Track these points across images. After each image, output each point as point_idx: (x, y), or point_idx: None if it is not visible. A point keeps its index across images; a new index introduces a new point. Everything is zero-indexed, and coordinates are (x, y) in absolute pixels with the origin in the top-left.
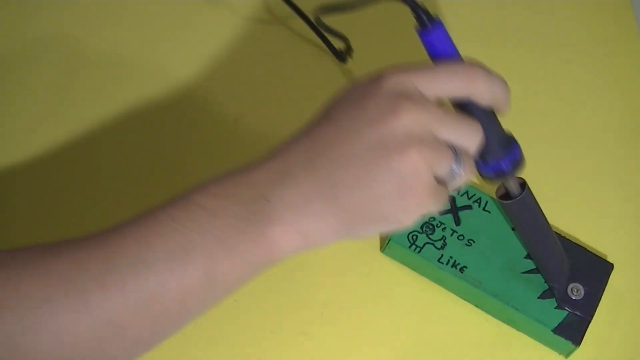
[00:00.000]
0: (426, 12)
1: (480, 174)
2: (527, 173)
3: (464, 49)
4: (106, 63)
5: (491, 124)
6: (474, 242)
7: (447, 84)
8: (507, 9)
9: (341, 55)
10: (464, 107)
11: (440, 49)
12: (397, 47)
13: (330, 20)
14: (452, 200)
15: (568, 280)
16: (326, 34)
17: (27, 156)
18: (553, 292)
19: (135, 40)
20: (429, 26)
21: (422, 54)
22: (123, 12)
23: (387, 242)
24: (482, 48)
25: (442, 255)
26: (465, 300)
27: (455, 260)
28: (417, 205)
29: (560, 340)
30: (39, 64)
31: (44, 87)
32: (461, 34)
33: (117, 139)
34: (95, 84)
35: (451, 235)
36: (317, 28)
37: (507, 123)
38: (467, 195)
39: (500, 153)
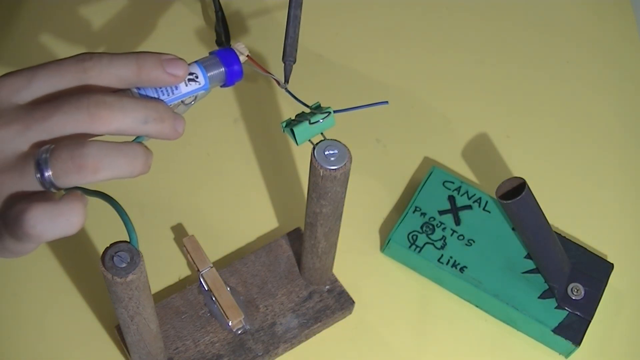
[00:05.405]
0: None
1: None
2: (527, 173)
3: (465, 50)
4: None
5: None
6: (474, 242)
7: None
8: (507, 9)
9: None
10: None
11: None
12: None
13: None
14: (452, 200)
15: (568, 280)
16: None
17: None
18: (553, 292)
19: (131, 36)
20: None
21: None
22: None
23: (387, 242)
24: (482, 48)
25: (442, 255)
26: (465, 300)
27: (455, 260)
28: None
29: (560, 340)
30: None
31: None
32: (462, 35)
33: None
34: None
35: (451, 235)
36: None
37: (508, 123)
38: (467, 195)
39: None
